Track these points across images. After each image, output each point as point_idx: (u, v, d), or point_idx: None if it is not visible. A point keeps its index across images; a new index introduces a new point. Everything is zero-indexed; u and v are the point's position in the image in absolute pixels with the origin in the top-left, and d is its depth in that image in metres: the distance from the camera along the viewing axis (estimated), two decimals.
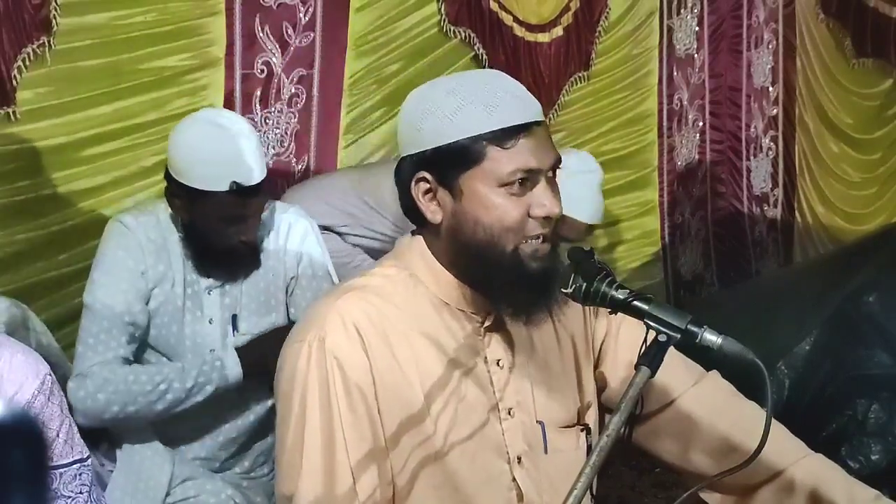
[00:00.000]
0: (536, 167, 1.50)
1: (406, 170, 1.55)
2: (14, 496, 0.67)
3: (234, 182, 2.26)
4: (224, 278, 2.40)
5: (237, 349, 2.34)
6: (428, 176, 1.53)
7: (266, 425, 2.52)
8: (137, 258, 2.33)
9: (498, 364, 1.60)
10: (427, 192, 1.54)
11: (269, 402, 2.49)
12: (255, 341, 2.37)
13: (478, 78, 1.59)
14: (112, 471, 2.40)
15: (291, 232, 2.45)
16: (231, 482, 2.48)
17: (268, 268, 2.43)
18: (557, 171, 1.55)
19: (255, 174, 2.29)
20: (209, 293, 2.40)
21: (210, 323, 2.41)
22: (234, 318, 2.41)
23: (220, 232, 2.33)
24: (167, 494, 2.40)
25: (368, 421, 1.53)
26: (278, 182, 3.01)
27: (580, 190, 3.01)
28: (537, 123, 1.52)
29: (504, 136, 1.48)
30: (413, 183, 1.54)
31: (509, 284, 1.53)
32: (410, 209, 1.57)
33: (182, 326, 2.39)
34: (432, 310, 1.58)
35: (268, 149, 2.99)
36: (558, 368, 1.66)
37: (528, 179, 1.50)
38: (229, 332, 2.41)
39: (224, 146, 2.27)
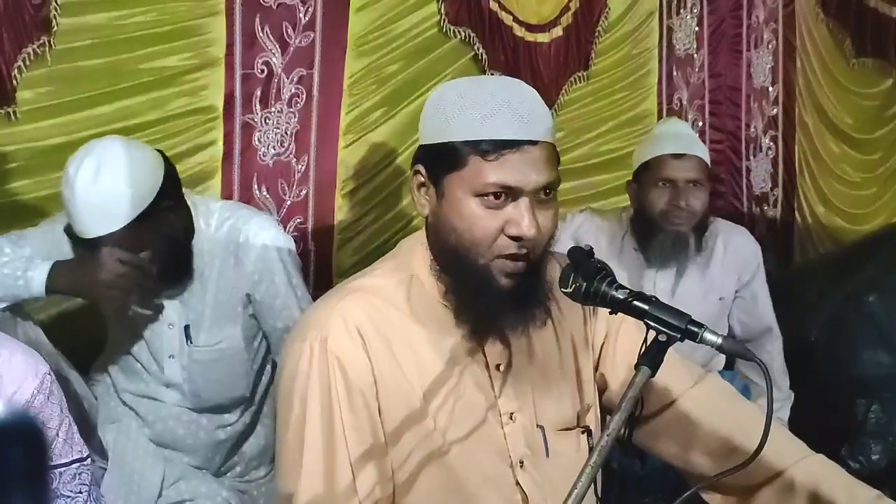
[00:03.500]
0: (514, 185, 1.48)
1: (414, 159, 1.59)
2: (14, 496, 0.67)
3: (70, 225, 2.17)
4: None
5: (54, 264, 2.16)
6: (422, 170, 1.56)
7: (244, 434, 2.51)
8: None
9: (497, 368, 1.60)
10: (421, 185, 1.57)
11: (235, 420, 2.48)
12: (71, 264, 2.19)
13: (493, 86, 1.56)
14: (104, 468, 2.37)
15: (250, 243, 2.35)
16: (227, 485, 2.47)
17: (228, 279, 2.36)
18: (552, 192, 1.52)
19: (88, 226, 2.13)
20: (170, 298, 2.37)
21: (169, 328, 2.40)
22: (187, 328, 2.37)
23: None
24: (159, 496, 2.39)
25: (369, 421, 1.53)
26: (279, 182, 3.01)
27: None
28: (532, 143, 1.49)
29: (489, 148, 1.48)
30: (413, 173, 1.58)
31: (478, 296, 1.53)
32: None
33: (142, 328, 2.38)
34: (432, 311, 1.58)
35: (268, 149, 2.98)
36: (558, 371, 1.66)
37: (505, 195, 1.49)
38: (184, 340, 2.39)
39: (67, 186, 2.14)
